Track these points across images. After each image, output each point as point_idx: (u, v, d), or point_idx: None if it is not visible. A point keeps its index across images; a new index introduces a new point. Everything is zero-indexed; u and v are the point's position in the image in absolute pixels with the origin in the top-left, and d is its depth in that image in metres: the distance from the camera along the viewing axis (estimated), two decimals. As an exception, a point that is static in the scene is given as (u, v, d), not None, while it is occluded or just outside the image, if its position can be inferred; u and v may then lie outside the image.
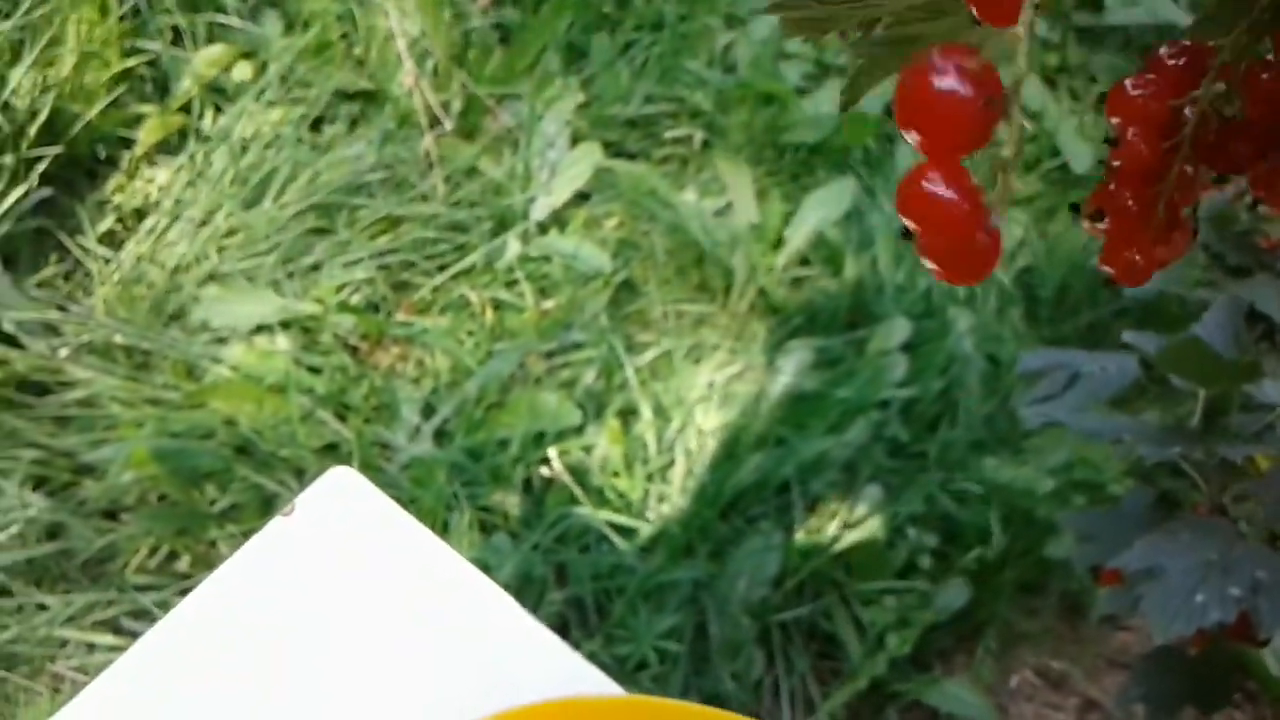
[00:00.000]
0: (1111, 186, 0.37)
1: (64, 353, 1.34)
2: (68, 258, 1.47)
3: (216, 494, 1.28)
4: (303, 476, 1.29)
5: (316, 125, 1.67)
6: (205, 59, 1.64)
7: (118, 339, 1.36)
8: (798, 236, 1.71)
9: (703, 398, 1.50)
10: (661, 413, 1.47)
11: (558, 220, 1.67)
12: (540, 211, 1.66)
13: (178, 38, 1.67)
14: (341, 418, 1.36)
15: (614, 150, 1.79)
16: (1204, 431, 0.74)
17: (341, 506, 0.81)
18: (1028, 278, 1.72)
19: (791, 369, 1.55)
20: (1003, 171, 0.32)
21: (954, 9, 0.32)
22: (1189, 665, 0.72)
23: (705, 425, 1.47)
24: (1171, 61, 0.34)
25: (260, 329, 1.44)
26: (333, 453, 1.33)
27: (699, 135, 1.84)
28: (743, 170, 1.77)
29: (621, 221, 1.70)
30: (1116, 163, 0.37)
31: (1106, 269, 0.37)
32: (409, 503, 1.28)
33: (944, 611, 1.37)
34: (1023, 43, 0.31)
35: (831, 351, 1.58)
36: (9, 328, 1.34)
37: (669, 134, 1.84)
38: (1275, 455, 0.73)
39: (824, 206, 1.72)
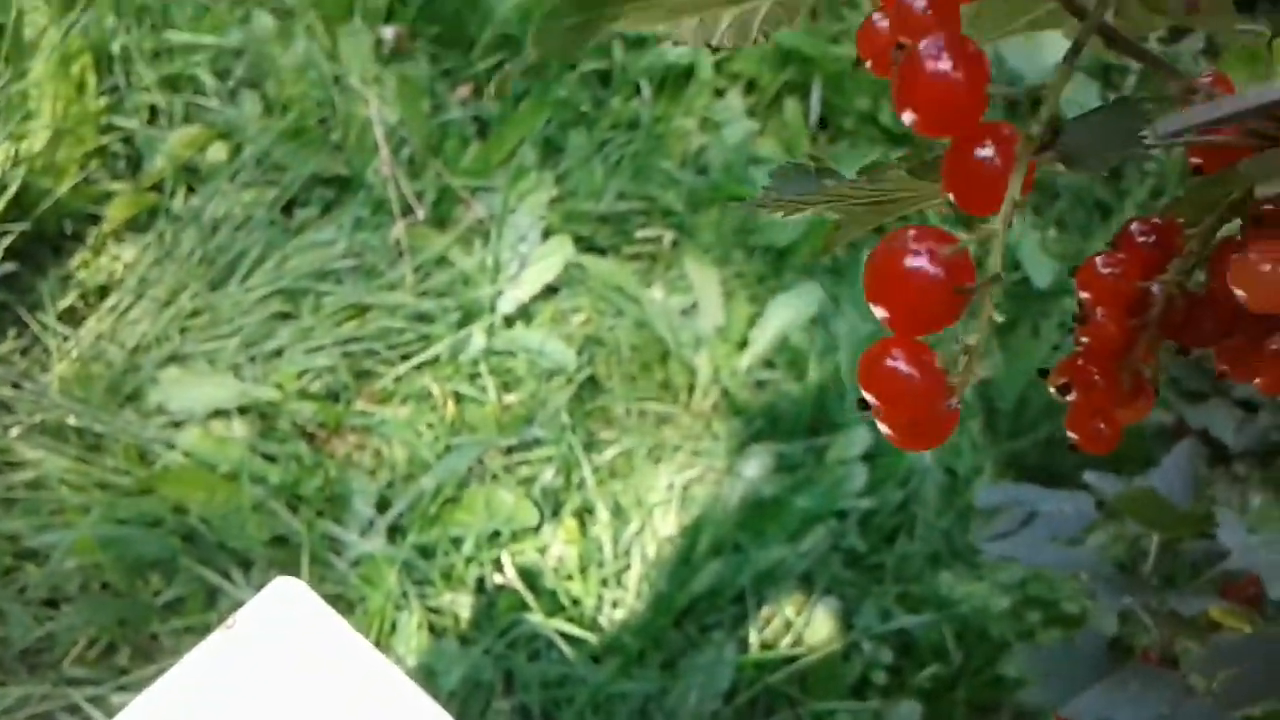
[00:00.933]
0: (1079, 361, 0.37)
1: (15, 431, 1.32)
2: (26, 333, 1.45)
3: (160, 585, 1.25)
4: (250, 569, 1.26)
5: (288, 209, 1.67)
6: (181, 139, 1.64)
7: (71, 420, 1.34)
8: (762, 339, 1.72)
9: (662, 500, 1.49)
10: (620, 514, 1.46)
11: (525, 314, 1.67)
12: (508, 304, 1.66)
13: (154, 116, 1.67)
14: (294, 509, 1.34)
15: (585, 245, 1.80)
16: (1157, 580, 0.74)
17: (284, 619, 0.79)
18: (987, 390, 1.73)
19: (751, 473, 1.55)
20: (968, 356, 0.32)
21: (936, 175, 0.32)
22: None
23: (663, 528, 1.46)
24: (1141, 239, 0.34)
25: (217, 413, 1.42)
26: (282, 545, 1.31)
27: (669, 234, 1.85)
28: (710, 271, 1.78)
29: (588, 317, 1.70)
30: (1084, 339, 0.37)
31: (1071, 435, 0.37)
32: (357, 601, 1.26)
33: (896, 729, 1.36)
34: (999, 239, 0.32)
35: (792, 457, 1.57)
36: (-40, 404, 1.32)
37: (640, 232, 1.85)
38: (1226, 609, 0.73)
39: (790, 310, 1.73)
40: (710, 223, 1.89)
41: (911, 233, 0.31)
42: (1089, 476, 0.92)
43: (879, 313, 0.31)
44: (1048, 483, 1.08)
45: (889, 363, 0.30)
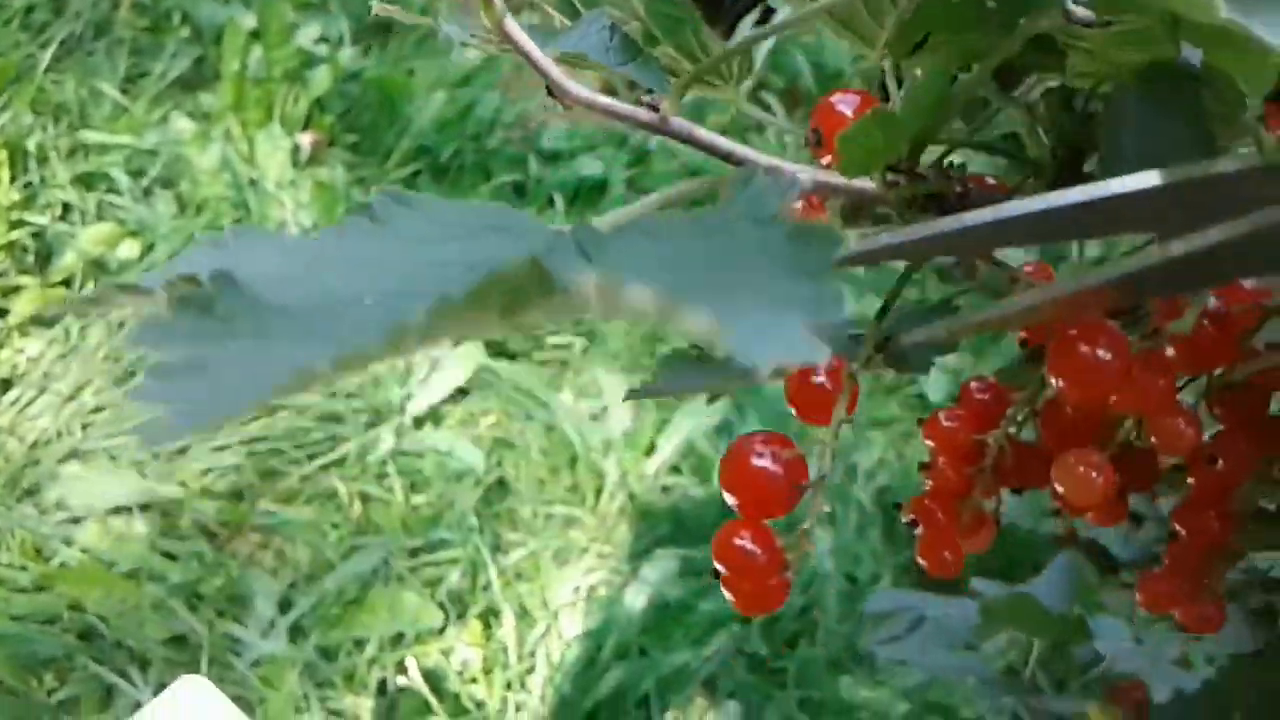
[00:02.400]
0: (925, 500, 0.41)
1: (-95, 526, 1.29)
2: (-78, 426, 1.43)
3: (55, 683, 1.22)
4: (148, 668, 1.24)
5: (199, 307, 1.67)
6: (92, 235, 1.64)
7: (-35, 514, 1.32)
8: (669, 445, 1.75)
9: (567, 603, 1.50)
10: (525, 616, 1.47)
11: (434, 416, 1.68)
12: (417, 406, 1.68)
13: (66, 212, 1.67)
14: (194, 608, 1.32)
15: (495, 350, 1.83)
16: (1045, 683, 0.77)
17: (189, 719, 0.79)
18: (886, 497, 1.78)
19: (656, 577, 1.56)
20: (803, 537, 0.37)
21: None
22: None
23: (568, 631, 1.47)
24: (979, 396, 0.39)
25: (118, 510, 1.40)
26: (182, 645, 1.28)
27: (579, 341, 1.89)
28: (619, 377, 1.82)
29: (498, 420, 1.72)
30: (929, 482, 0.41)
31: (921, 562, 0.41)
32: (257, 703, 1.24)
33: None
34: (828, 447, 0.36)
35: (696, 562, 1.60)
36: None
37: (551, 339, 1.89)
38: (1102, 709, 0.76)
39: (696, 417, 1.77)
40: (619, 330, 1.94)
41: (759, 437, 0.36)
42: (976, 583, 0.96)
43: (730, 500, 0.35)
44: (944, 589, 1.12)
45: (736, 541, 0.35)
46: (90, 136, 1.73)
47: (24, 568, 1.29)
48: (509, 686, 1.38)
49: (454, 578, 1.46)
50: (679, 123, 0.35)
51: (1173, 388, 0.37)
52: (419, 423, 1.66)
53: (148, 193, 1.74)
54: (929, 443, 0.40)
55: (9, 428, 1.45)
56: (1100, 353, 0.33)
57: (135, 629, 1.26)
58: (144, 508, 1.42)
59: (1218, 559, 0.39)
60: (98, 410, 1.51)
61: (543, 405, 1.75)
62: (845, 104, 0.36)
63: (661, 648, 1.46)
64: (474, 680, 1.37)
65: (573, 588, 1.52)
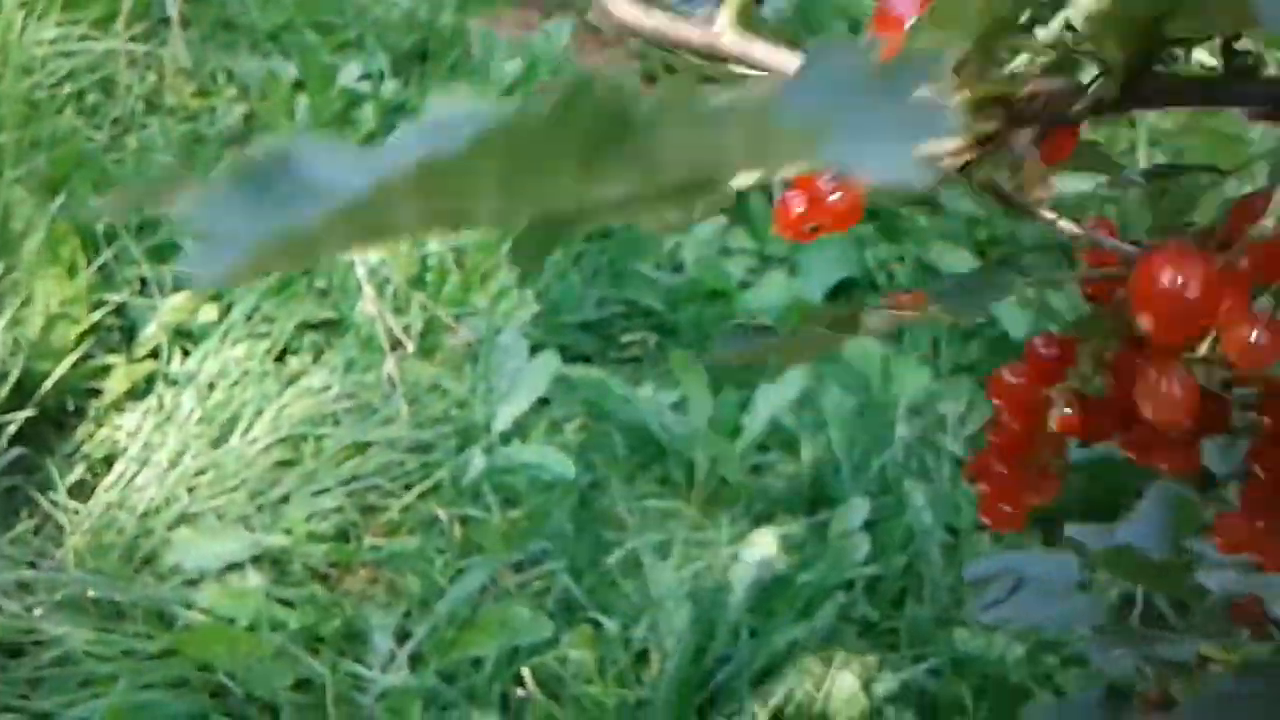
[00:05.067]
0: (989, 456, 0.42)
1: (38, 611, 1.36)
2: (38, 512, 1.50)
3: (193, 742, 1.28)
4: (278, 716, 1.29)
5: (281, 357, 1.73)
6: (172, 305, 1.70)
7: (89, 592, 1.38)
8: (754, 425, 1.76)
9: (672, 594, 1.52)
10: (632, 613, 1.49)
11: (520, 430, 1.72)
12: (503, 422, 1.71)
13: (144, 287, 1.74)
14: (315, 651, 1.37)
15: (571, 355, 1.85)
16: (1143, 630, 0.76)
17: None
18: (979, 443, 1.76)
19: (757, 557, 1.58)
20: None
21: None
22: None
23: (676, 622, 1.49)
24: (1043, 351, 0.39)
25: (231, 567, 1.46)
26: (307, 688, 1.34)
27: (652, 336, 1.90)
28: (695, 365, 1.83)
29: (583, 424, 1.75)
30: (993, 438, 0.42)
31: (984, 519, 0.42)
32: (385, 735, 1.29)
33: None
34: None
35: (795, 536, 1.61)
36: (-17, 590, 1.37)
37: (623, 336, 1.91)
38: (1216, 645, 0.75)
39: (776, 394, 1.78)
40: (691, 318, 1.95)
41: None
42: (1070, 531, 0.95)
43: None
44: (1045, 526, 1.11)
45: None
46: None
47: (150, 636, 1.35)
48: (624, 684, 1.40)
49: (559, 586, 1.49)
50: (733, 40, 0.34)
51: (1247, 296, 0.36)
52: (506, 439, 1.70)
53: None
54: (995, 400, 0.40)
55: (119, 502, 1.52)
56: (1185, 279, 0.33)
57: (262, 680, 1.32)
58: (255, 560, 1.47)
59: None
60: (200, 473, 1.57)
61: (624, 403, 1.77)
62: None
63: (769, 625, 1.47)
64: (590, 682, 1.40)
65: (675, 579, 1.54)
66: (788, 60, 0.35)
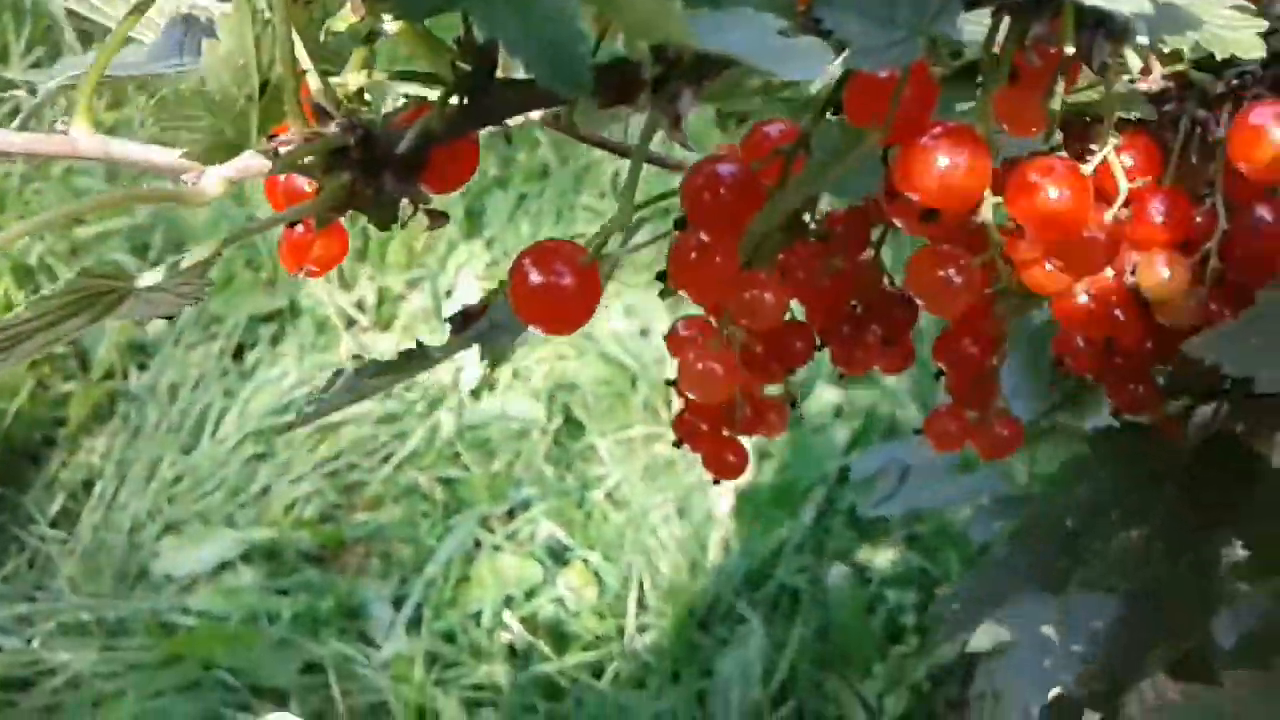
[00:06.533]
0: (686, 420, 0.43)
1: (36, 642, 1.38)
2: (27, 547, 1.51)
3: (210, 741, 1.30)
4: (289, 701, 1.31)
5: (238, 354, 1.72)
6: (117, 322, 1.70)
7: (86, 616, 1.40)
8: (719, 337, 1.75)
9: (662, 515, 1.53)
10: (624, 543, 1.50)
11: (488, 383, 1.72)
12: (470, 378, 1.71)
13: (89, 309, 1.73)
14: (315, 634, 1.38)
15: (528, 301, 1.84)
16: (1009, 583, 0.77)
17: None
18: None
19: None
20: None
21: None
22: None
23: (669, 544, 1.50)
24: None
25: (223, 566, 1.47)
26: (314, 669, 1.35)
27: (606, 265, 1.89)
28: (653, 289, 1.82)
29: (550, 366, 1.75)
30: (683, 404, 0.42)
31: (712, 475, 0.41)
32: (394, 702, 1.30)
33: (940, 662, 1.38)
34: None
35: (775, 440, 1.61)
36: (-20, 632, 1.38)
37: (575, 272, 1.90)
38: None
39: (736, 303, 1.77)
40: (643, 243, 1.94)
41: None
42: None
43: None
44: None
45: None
46: (86, 232, 1.79)
47: (153, 647, 1.37)
48: (622, 613, 1.42)
49: (545, 530, 1.50)
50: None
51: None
52: (475, 394, 1.70)
53: (157, 265, 1.78)
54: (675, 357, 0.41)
55: (104, 523, 1.53)
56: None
57: (267, 670, 1.33)
58: (245, 557, 1.48)
59: (987, 380, 0.39)
60: (177, 481, 1.57)
61: (588, 339, 1.77)
62: None
63: (760, 530, 1.48)
64: (595, 616, 1.42)
65: (662, 500, 1.55)
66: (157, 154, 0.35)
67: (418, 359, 0.40)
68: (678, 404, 0.43)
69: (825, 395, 1.61)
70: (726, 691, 1.32)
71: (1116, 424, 0.42)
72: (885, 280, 0.41)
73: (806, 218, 0.40)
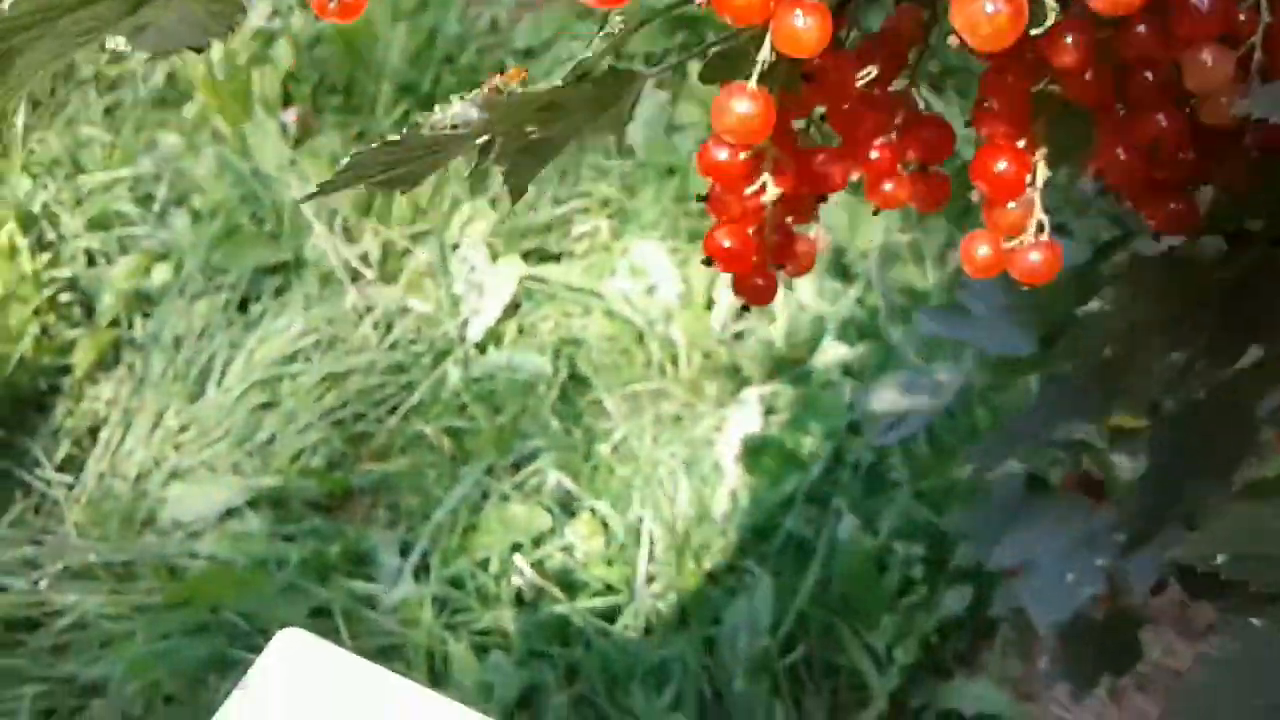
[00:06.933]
0: (715, 237, 0.41)
1: (44, 583, 1.37)
2: (33, 492, 1.51)
3: (219, 683, 1.30)
4: (297, 645, 1.31)
5: (243, 306, 1.72)
6: (123, 271, 1.69)
7: (93, 558, 1.40)
8: (726, 294, 1.75)
9: (669, 469, 1.53)
10: (632, 493, 1.50)
11: (494, 337, 1.71)
12: (476, 332, 1.71)
13: (92, 259, 1.72)
14: (323, 579, 1.38)
15: (535, 257, 1.84)
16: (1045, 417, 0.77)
17: (295, 668, 0.84)
18: (957, 275, 1.76)
19: (748, 418, 1.58)
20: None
21: (573, 108, 0.36)
22: (1097, 633, 0.74)
23: (678, 496, 1.50)
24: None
25: (230, 514, 1.47)
26: (323, 614, 1.35)
27: (611, 223, 1.89)
28: (660, 245, 1.82)
29: (556, 322, 1.74)
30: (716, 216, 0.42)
31: (740, 299, 0.41)
32: (402, 645, 1.31)
33: (948, 615, 1.39)
34: None
35: (780, 394, 1.61)
36: (-12, 574, 1.38)
37: (583, 229, 1.89)
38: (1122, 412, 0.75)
39: (742, 259, 1.77)
40: (649, 200, 1.93)
41: None
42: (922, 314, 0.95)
43: None
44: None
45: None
46: (90, 180, 1.78)
47: (160, 589, 1.37)
48: (630, 562, 1.42)
49: (552, 481, 1.50)
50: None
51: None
52: (481, 348, 1.69)
53: (162, 215, 1.79)
54: (708, 179, 0.40)
55: (110, 470, 1.52)
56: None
57: (275, 614, 1.33)
58: (252, 504, 1.48)
59: (1024, 200, 0.38)
60: (183, 429, 1.57)
61: (594, 295, 1.77)
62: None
63: (769, 483, 1.48)
64: (604, 563, 1.42)
65: (670, 454, 1.55)
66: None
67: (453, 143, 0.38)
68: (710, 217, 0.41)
69: (833, 351, 1.61)
70: (734, 639, 1.32)
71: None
72: (921, 105, 0.41)
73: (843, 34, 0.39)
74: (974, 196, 0.42)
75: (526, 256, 1.83)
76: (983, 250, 0.39)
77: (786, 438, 1.52)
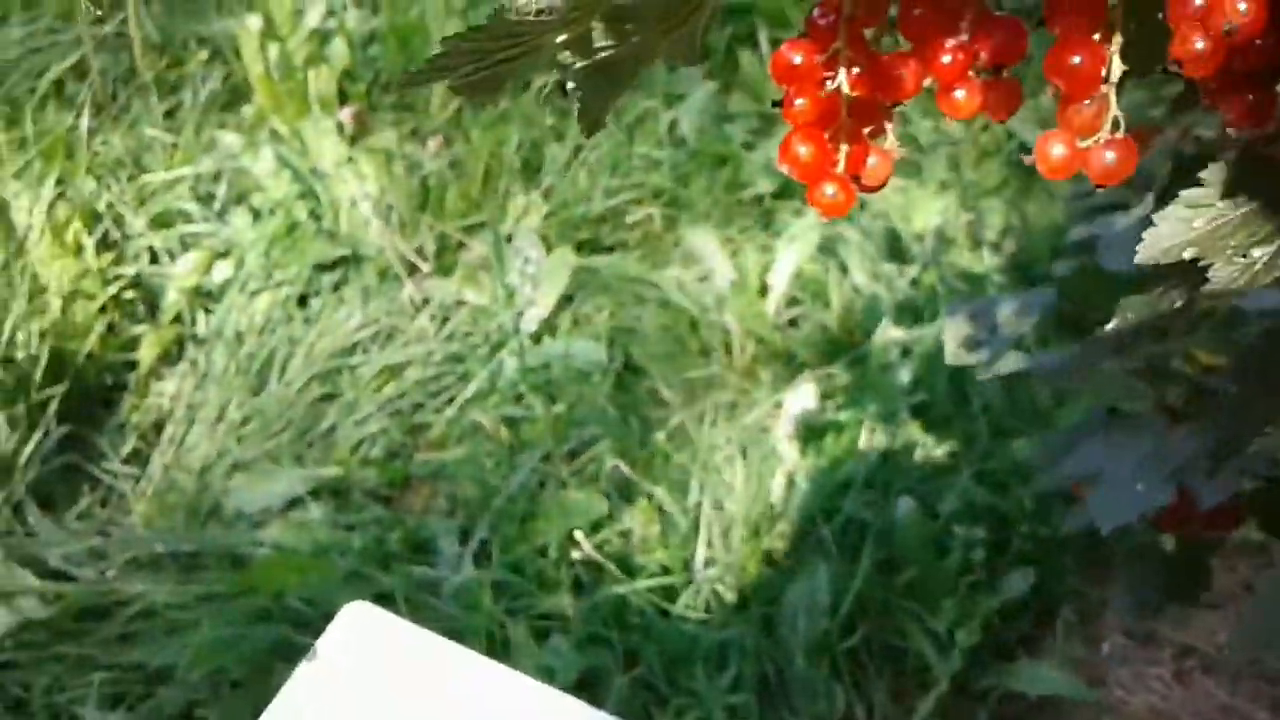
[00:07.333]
0: (791, 143, 0.41)
1: (112, 573, 1.40)
2: (100, 485, 1.54)
3: (285, 667, 1.31)
4: (360, 630, 1.32)
5: (303, 301, 1.74)
6: (185, 269, 1.72)
7: (160, 548, 1.42)
8: (779, 280, 1.75)
9: (726, 455, 1.53)
10: (688, 480, 1.50)
11: (549, 328, 1.72)
12: (531, 323, 1.72)
13: (155, 256, 1.75)
14: (385, 566, 1.40)
15: (588, 248, 1.85)
16: (1130, 340, 0.75)
17: (361, 639, 0.85)
18: (1020, 258, 1.74)
19: (804, 403, 1.58)
20: None
21: (646, 16, 0.37)
22: (1165, 561, 0.73)
23: (735, 481, 1.50)
24: (822, 21, 0.39)
25: (292, 504, 1.49)
26: (385, 601, 1.36)
27: (665, 212, 1.89)
28: (712, 233, 1.82)
29: (610, 311, 1.75)
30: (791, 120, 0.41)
31: (820, 213, 0.42)
32: (465, 630, 1.32)
33: (1010, 597, 1.37)
34: None
35: (836, 379, 1.60)
36: (57, 563, 1.40)
37: (635, 219, 1.90)
38: (1203, 347, 0.74)
39: (796, 247, 1.76)
40: (701, 189, 1.93)
41: None
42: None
43: None
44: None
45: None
46: (152, 180, 1.81)
47: (225, 579, 1.39)
48: (690, 547, 1.42)
49: (610, 468, 1.51)
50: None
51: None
52: (537, 338, 1.70)
53: (222, 213, 1.82)
54: (781, 86, 0.40)
55: (175, 462, 1.55)
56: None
57: (339, 601, 1.34)
58: (313, 494, 1.50)
59: (1099, 96, 0.37)
60: (246, 422, 1.59)
61: (648, 285, 1.77)
62: None
63: (825, 468, 1.48)
64: (660, 548, 1.42)
65: (726, 439, 1.54)
66: None
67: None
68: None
69: (890, 333, 1.60)
70: (794, 621, 1.32)
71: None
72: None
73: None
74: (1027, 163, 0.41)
75: (580, 248, 1.84)
76: (1057, 150, 0.38)
77: (844, 422, 1.51)
